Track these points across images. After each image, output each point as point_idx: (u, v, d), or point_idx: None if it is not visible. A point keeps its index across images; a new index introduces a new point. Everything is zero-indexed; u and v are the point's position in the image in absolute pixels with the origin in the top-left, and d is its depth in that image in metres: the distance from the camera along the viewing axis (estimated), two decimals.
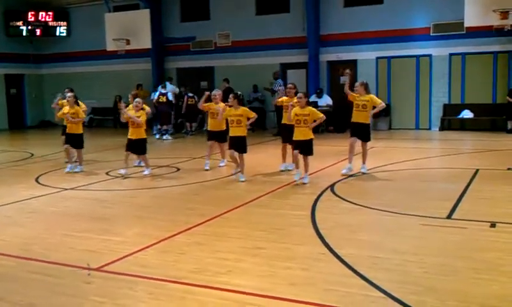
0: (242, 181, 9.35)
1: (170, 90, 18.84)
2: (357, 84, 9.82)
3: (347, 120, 10.19)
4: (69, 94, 11.14)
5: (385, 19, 17.85)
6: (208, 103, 10.72)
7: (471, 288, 4.40)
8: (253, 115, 9.56)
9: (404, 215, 6.81)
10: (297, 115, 8.91)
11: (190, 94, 18.43)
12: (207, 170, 10.71)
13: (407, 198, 7.94)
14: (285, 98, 10.29)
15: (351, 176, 9.62)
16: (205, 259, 5.31)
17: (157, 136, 17.48)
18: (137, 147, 10.27)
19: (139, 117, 10.18)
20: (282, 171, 10.24)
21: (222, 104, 10.54)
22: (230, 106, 9.61)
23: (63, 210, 7.79)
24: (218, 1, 20.60)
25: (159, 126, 17.75)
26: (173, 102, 18.95)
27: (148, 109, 10.92)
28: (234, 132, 9.46)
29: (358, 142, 9.87)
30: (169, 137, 17.43)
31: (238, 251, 5.54)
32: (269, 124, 19.28)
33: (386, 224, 6.55)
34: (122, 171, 10.21)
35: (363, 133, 9.79)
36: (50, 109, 11.54)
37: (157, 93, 18.01)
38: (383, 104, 9.80)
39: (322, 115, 9.01)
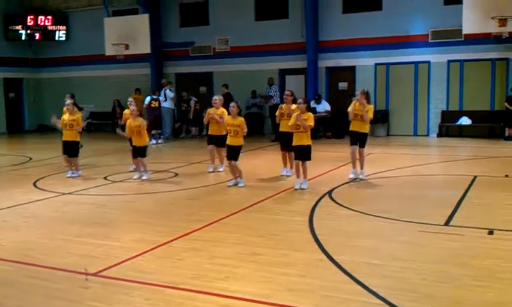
0: (241, 187, 9.36)
1: (170, 97, 18.85)
2: (359, 93, 9.77)
3: (346, 126, 10.20)
4: (68, 101, 11.14)
5: (384, 25, 17.89)
6: (209, 110, 10.78)
7: (468, 295, 4.40)
8: (246, 130, 9.54)
9: (402, 221, 6.82)
10: (297, 114, 8.92)
11: (196, 99, 18.48)
12: (210, 172, 10.98)
13: (405, 205, 7.95)
14: (283, 106, 10.33)
15: (347, 183, 9.63)
16: (203, 265, 5.31)
17: (153, 142, 17.43)
18: (139, 152, 10.44)
19: (139, 126, 10.32)
20: (282, 175, 10.27)
21: (222, 109, 10.62)
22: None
23: (60, 214, 7.78)
24: (217, 7, 20.64)
25: (153, 132, 17.65)
26: (173, 107, 18.99)
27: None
28: (231, 141, 9.51)
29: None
30: (161, 141, 17.58)
31: (236, 257, 5.54)
32: (267, 130, 19.28)
33: (384, 231, 6.55)
34: (136, 176, 10.56)
35: (360, 140, 9.81)
36: (50, 114, 11.57)
37: (148, 98, 17.98)
38: (370, 119, 9.79)
39: (312, 125, 8.97)
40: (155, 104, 17.85)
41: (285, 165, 10.45)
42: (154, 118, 17.67)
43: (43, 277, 5.12)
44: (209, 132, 11.14)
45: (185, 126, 19.92)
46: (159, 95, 18.48)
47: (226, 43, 20.62)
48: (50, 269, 5.30)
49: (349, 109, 9.76)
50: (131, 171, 11.03)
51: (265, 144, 16.41)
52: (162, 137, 17.86)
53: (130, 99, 11.13)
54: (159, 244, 6.04)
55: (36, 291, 4.78)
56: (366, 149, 10.03)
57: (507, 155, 13.11)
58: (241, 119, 9.57)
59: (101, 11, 20.69)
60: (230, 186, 9.46)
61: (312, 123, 8.95)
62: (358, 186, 9.49)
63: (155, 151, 15.64)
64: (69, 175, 10.85)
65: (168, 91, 18.90)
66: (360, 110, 9.55)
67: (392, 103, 18.35)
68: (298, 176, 9.11)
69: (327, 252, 5.57)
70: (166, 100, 18.60)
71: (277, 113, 10.40)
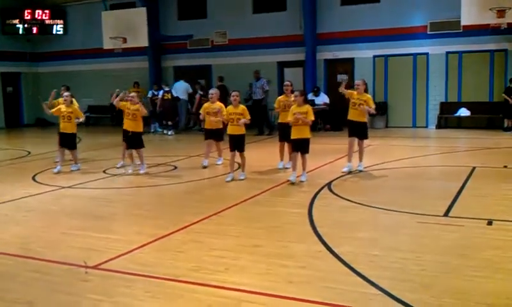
0: (242, 179, 9.35)
1: (184, 89, 19.23)
2: (358, 81, 9.79)
3: (344, 118, 10.20)
4: (66, 93, 11.11)
5: (382, 17, 17.85)
6: (204, 106, 10.74)
7: (468, 286, 4.41)
8: (249, 117, 9.53)
9: (401, 212, 6.83)
10: (295, 113, 8.91)
11: (201, 93, 18.58)
12: (205, 167, 10.76)
13: (404, 196, 7.96)
14: (281, 97, 10.31)
15: (349, 173, 9.64)
16: (203, 257, 5.32)
17: (159, 130, 18.36)
18: (134, 141, 10.30)
19: (136, 109, 10.26)
20: (280, 169, 10.26)
21: (219, 103, 10.51)
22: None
23: (60, 208, 7.78)
24: None
25: (164, 122, 18.62)
26: (186, 99, 19.38)
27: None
28: (233, 130, 9.46)
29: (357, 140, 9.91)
30: (171, 132, 18.10)
31: (235, 249, 5.55)
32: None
33: (383, 222, 6.56)
34: (130, 170, 10.47)
35: (360, 131, 9.82)
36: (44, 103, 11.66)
37: (161, 92, 18.60)
38: (374, 110, 9.83)
39: (312, 118, 9.00)
40: (167, 96, 18.41)
41: (281, 158, 10.40)
42: (167, 110, 18.41)
43: (43, 270, 5.13)
44: (206, 126, 10.86)
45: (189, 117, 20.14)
46: (170, 88, 18.99)
47: (224, 35, 20.57)
48: (50, 262, 5.31)
49: (345, 91, 9.75)
50: (118, 167, 10.94)
51: (263, 137, 16.42)
52: (180, 126, 18.67)
53: (132, 94, 10.86)
54: (159, 236, 6.05)
55: (37, 284, 4.78)
56: (365, 141, 10.02)
57: (505, 145, 13.12)
58: (243, 107, 9.54)
59: (99, 5, 20.60)
60: (228, 181, 9.28)
61: (312, 117, 8.94)
62: (357, 178, 9.49)
63: (155, 144, 15.62)
64: (56, 171, 10.60)
65: (184, 83, 19.30)
66: (357, 100, 9.55)
67: (390, 95, 18.33)
68: (294, 169, 9.04)
69: (326, 244, 5.58)
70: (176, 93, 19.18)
71: (276, 105, 10.36)
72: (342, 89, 9.87)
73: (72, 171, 10.76)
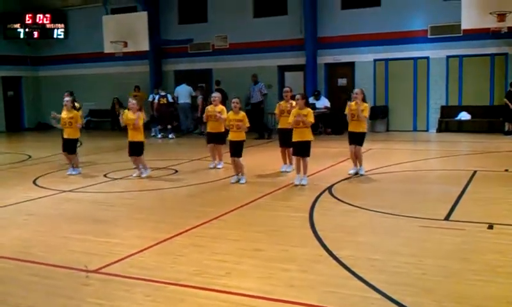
0: (243, 183, 9.36)
1: (187, 92, 19.43)
2: (357, 91, 9.74)
3: (345, 122, 10.20)
4: (66, 98, 11.12)
5: (383, 21, 17.87)
6: (208, 110, 10.79)
7: (469, 290, 4.40)
8: (248, 125, 9.57)
9: (402, 216, 6.81)
10: (296, 115, 8.93)
11: (202, 97, 18.62)
12: (211, 168, 11.05)
13: (405, 200, 7.95)
14: (282, 102, 10.34)
15: (347, 178, 9.64)
16: (204, 261, 5.32)
17: (159, 136, 18.46)
18: (135, 149, 10.29)
19: (135, 119, 10.16)
20: (282, 172, 10.28)
21: (221, 106, 10.64)
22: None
23: (60, 212, 7.78)
24: (216, 3, 20.60)
25: (159, 127, 18.71)
26: (190, 102, 19.56)
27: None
28: (234, 136, 9.53)
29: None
30: (173, 136, 18.38)
31: (237, 253, 5.54)
32: (268, 125, 19.22)
33: (384, 226, 6.56)
34: (135, 174, 10.43)
35: (357, 139, 9.79)
36: (49, 112, 11.69)
37: (157, 96, 18.67)
38: (366, 118, 9.81)
39: (312, 120, 9.04)
40: (163, 101, 18.59)
41: (284, 161, 10.47)
42: (164, 114, 18.58)
43: (43, 274, 5.12)
44: (208, 130, 11.17)
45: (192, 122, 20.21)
46: (166, 93, 19.14)
47: (224, 40, 20.60)
48: (51, 267, 5.31)
49: (346, 112, 9.80)
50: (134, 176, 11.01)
51: (264, 141, 16.41)
52: (173, 133, 18.63)
53: (130, 99, 10.86)
54: (160, 240, 6.04)
55: (37, 288, 4.78)
56: (365, 145, 10.05)
57: (506, 149, 13.10)
58: (243, 114, 9.60)
59: (99, 9, 20.66)
60: (232, 183, 9.45)
61: (312, 119, 8.98)
62: (358, 181, 9.49)
63: (156, 148, 15.63)
64: (69, 172, 10.87)
65: (186, 86, 19.46)
66: (355, 110, 9.55)
67: (391, 99, 18.34)
68: (298, 172, 9.13)
69: (327, 248, 5.57)
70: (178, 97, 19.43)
71: (276, 110, 10.43)
72: (347, 113, 9.83)
73: (67, 175, 10.78)
